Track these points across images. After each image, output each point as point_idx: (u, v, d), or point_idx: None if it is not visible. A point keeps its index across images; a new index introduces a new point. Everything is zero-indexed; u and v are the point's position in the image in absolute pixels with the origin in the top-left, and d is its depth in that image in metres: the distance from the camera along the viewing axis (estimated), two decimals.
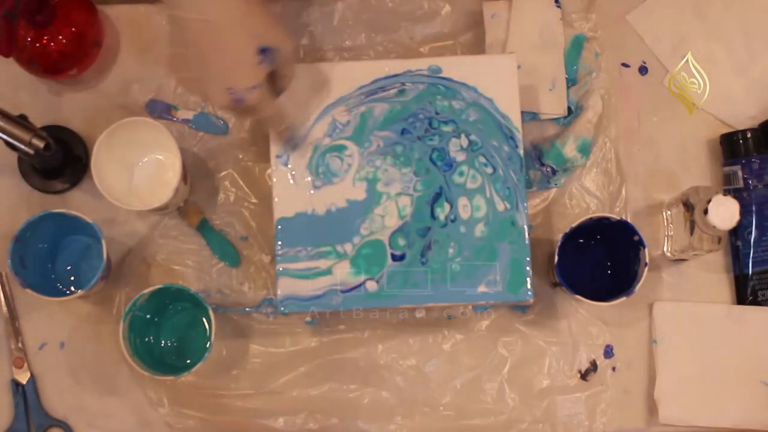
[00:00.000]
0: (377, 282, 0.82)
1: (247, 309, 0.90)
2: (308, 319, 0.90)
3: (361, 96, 0.85)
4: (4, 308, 0.90)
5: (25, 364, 0.89)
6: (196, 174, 0.92)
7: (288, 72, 0.77)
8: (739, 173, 0.89)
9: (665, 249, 0.91)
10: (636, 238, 0.83)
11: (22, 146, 0.83)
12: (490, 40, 0.93)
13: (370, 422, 0.89)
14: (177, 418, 0.89)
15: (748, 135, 0.90)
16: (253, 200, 0.92)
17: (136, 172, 0.90)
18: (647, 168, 0.93)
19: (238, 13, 0.71)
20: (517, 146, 0.84)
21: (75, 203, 0.92)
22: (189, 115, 0.93)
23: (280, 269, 0.82)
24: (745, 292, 0.90)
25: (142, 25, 0.95)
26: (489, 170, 0.83)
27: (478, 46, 0.94)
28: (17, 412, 0.89)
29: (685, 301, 0.91)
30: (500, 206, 0.83)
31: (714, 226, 0.81)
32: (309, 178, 0.84)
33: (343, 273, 0.82)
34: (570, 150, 0.90)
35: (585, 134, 0.91)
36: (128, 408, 0.89)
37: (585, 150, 0.91)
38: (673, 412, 0.88)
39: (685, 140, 0.94)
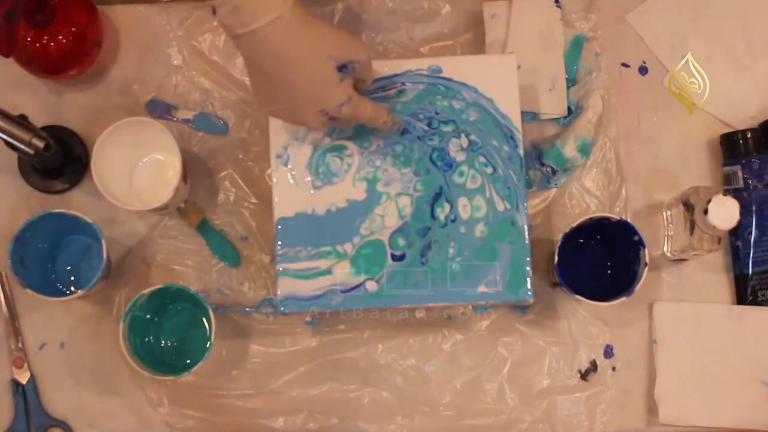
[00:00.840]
0: (377, 282, 0.82)
1: (247, 309, 0.90)
2: (308, 319, 0.90)
3: None
4: (4, 308, 0.90)
5: (25, 364, 0.89)
6: (196, 174, 0.92)
7: (368, 75, 0.78)
8: (739, 173, 0.89)
9: (665, 249, 0.91)
10: (636, 238, 0.83)
11: (22, 146, 0.83)
12: (490, 40, 0.93)
13: (370, 422, 0.89)
14: (177, 418, 0.89)
15: (748, 135, 0.90)
16: (253, 200, 0.92)
17: (136, 172, 0.90)
18: (647, 168, 0.93)
19: (306, 35, 0.71)
20: (517, 146, 0.84)
21: (75, 203, 0.92)
22: (189, 115, 0.93)
23: (280, 269, 0.82)
24: (745, 292, 0.90)
25: (142, 25, 0.95)
26: (489, 170, 0.83)
27: (478, 46, 0.94)
28: (17, 412, 0.89)
29: (685, 301, 0.91)
30: (500, 206, 0.83)
31: (714, 226, 0.81)
32: (309, 178, 0.83)
33: (343, 273, 0.82)
34: (570, 150, 0.90)
35: (585, 134, 0.91)
36: (128, 408, 0.89)
37: (585, 150, 0.91)
38: (673, 412, 0.88)
39: (685, 140, 0.94)
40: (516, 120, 0.84)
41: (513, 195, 0.83)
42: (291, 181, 0.83)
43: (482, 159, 0.84)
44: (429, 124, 0.84)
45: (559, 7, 0.93)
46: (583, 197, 0.92)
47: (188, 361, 0.87)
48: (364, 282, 0.82)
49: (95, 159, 0.84)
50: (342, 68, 0.73)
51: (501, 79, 0.85)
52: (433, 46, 0.95)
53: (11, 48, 0.80)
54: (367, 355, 0.90)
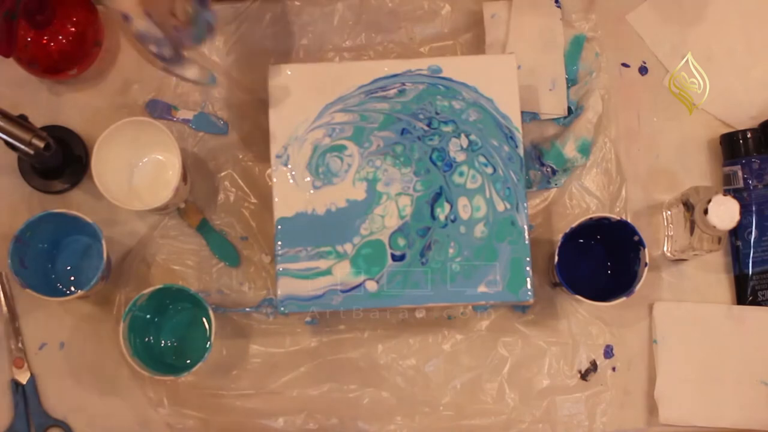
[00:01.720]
0: (377, 282, 0.82)
1: (247, 309, 0.90)
2: (308, 319, 0.90)
3: (361, 96, 0.85)
4: (4, 308, 0.90)
5: (25, 364, 0.89)
6: (196, 174, 0.93)
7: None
8: (739, 173, 0.89)
9: (665, 249, 0.91)
10: (636, 238, 0.83)
11: (22, 146, 0.83)
12: (490, 40, 0.93)
13: (370, 422, 0.89)
14: (177, 418, 0.89)
15: (748, 135, 0.90)
16: (253, 200, 0.92)
17: (136, 172, 0.90)
18: (647, 168, 0.93)
19: None
20: (517, 146, 0.84)
21: (75, 203, 0.92)
22: (189, 115, 0.93)
23: (280, 269, 0.82)
24: (745, 292, 0.90)
25: None
26: (489, 170, 0.84)
27: (478, 46, 0.94)
28: (17, 412, 0.89)
29: (685, 301, 0.91)
30: (500, 206, 0.83)
31: (714, 226, 0.81)
32: (309, 178, 0.84)
33: (343, 273, 0.82)
34: (570, 150, 0.90)
35: (585, 134, 0.91)
36: (128, 408, 0.89)
37: (585, 150, 0.91)
38: (673, 412, 0.88)
39: (685, 140, 0.94)
40: (516, 120, 0.84)
41: (513, 195, 0.83)
42: (291, 181, 0.84)
43: (482, 159, 0.84)
44: (429, 124, 0.84)
45: (559, 7, 0.94)
46: (583, 197, 0.92)
47: (188, 361, 0.87)
48: (364, 282, 0.82)
49: (95, 159, 0.84)
50: None
51: (501, 79, 0.85)
52: (433, 46, 0.95)
53: (11, 48, 0.80)
54: (367, 355, 0.90)
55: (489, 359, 0.90)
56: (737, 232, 0.90)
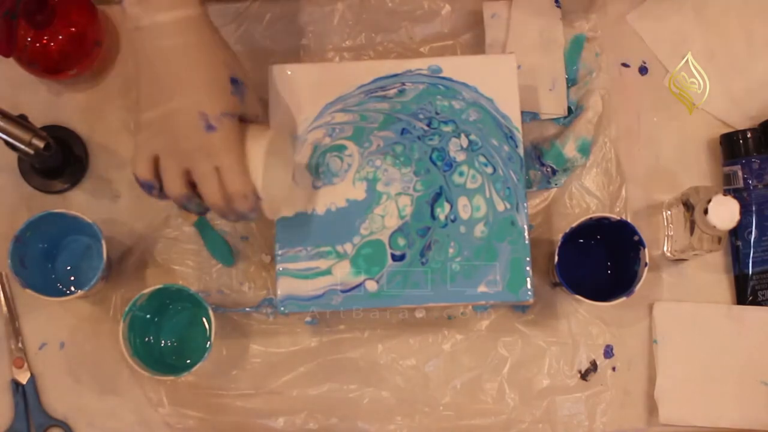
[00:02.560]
0: (377, 282, 0.82)
1: (247, 309, 0.90)
2: (308, 319, 0.90)
3: (361, 95, 0.85)
4: (4, 308, 0.90)
5: (25, 364, 0.89)
6: None
7: (253, 111, 0.74)
8: (739, 173, 0.89)
9: (665, 249, 0.91)
10: (636, 238, 0.83)
11: (22, 146, 0.83)
12: (490, 40, 0.93)
13: (370, 422, 0.89)
14: (177, 418, 0.89)
15: (748, 135, 0.90)
16: None
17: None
18: (647, 168, 0.93)
19: (210, 39, 0.71)
20: (517, 146, 0.84)
21: (75, 203, 0.92)
22: None
23: (280, 269, 0.82)
24: (745, 292, 0.90)
25: None
26: (489, 170, 0.83)
27: (478, 46, 0.94)
28: (17, 412, 0.89)
29: (685, 301, 0.91)
30: (500, 206, 0.83)
31: (714, 226, 0.81)
32: (309, 178, 0.83)
33: (343, 273, 0.82)
34: (570, 150, 0.90)
35: (585, 134, 0.91)
36: (128, 408, 0.89)
37: (585, 150, 0.91)
38: (673, 412, 0.88)
39: (685, 140, 0.94)
40: (516, 120, 0.84)
41: (513, 195, 0.83)
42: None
43: (482, 159, 0.84)
44: (429, 124, 0.84)
45: (559, 7, 0.94)
46: (583, 197, 0.92)
47: (188, 361, 0.87)
48: (364, 282, 0.82)
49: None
50: (234, 81, 0.72)
51: (501, 79, 0.85)
52: (433, 46, 0.95)
53: (11, 48, 0.80)
54: (367, 355, 0.90)
55: (489, 359, 0.90)
56: (737, 232, 0.90)
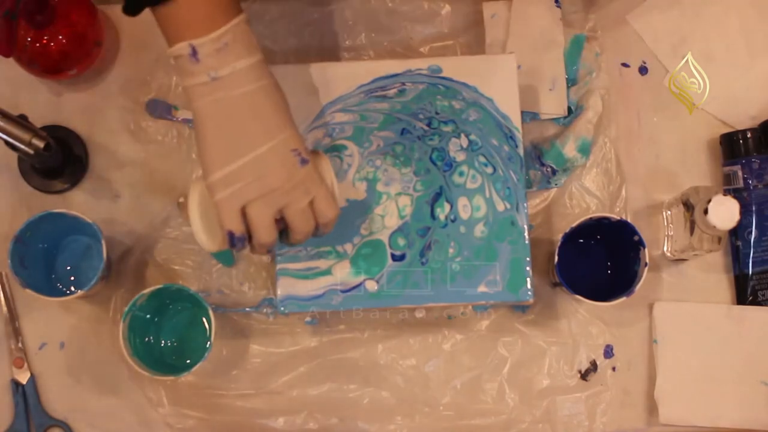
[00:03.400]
0: (377, 282, 0.82)
1: (247, 309, 0.90)
2: (308, 319, 0.90)
3: (361, 95, 0.85)
4: (4, 308, 0.90)
5: (25, 364, 0.89)
6: (196, 174, 0.92)
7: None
8: (739, 173, 0.89)
9: (665, 249, 0.91)
10: (636, 238, 0.83)
11: (22, 146, 0.82)
12: (490, 40, 0.93)
13: (370, 422, 0.89)
14: (177, 418, 0.89)
15: (748, 135, 0.90)
16: None
17: None
18: (647, 168, 0.93)
19: (275, 80, 0.70)
20: (517, 146, 0.84)
21: (75, 203, 0.92)
22: (189, 115, 0.93)
23: (280, 269, 0.82)
24: (745, 292, 0.90)
25: (142, 25, 0.94)
26: (489, 170, 0.84)
27: (478, 46, 0.94)
28: (17, 412, 0.89)
29: (685, 301, 0.91)
30: (500, 206, 0.83)
31: (714, 226, 0.81)
32: None
33: (343, 273, 0.82)
34: (570, 150, 0.90)
35: (585, 134, 0.91)
36: (128, 408, 0.89)
37: (585, 150, 0.91)
38: (673, 412, 0.88)
39: (685, 140, 0.94)
40: (516, 120, 0.84)
41: (513, 195, 0.83)
42: None
43: (482, 159, 0.84)
44: (429, 124, 0.84)
45: (559, 7, 0.94)
46: (583, 197, 0.92)
47: (188, 361, 0.87)
48: (363, 282, 0.82)
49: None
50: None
51: (501, 79, 0.85)
52: (433, 46, 0.95)
53: (11, 48, 0.80)
54: (367, 355, 0.90)
55: (489, 359, 0.90)
56: (737, 232, 0.90)
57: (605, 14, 0.95)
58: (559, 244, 0.83)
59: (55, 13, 0.87)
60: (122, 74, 0.94)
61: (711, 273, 0.91)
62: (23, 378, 0.89)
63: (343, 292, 0.82)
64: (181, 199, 0.91)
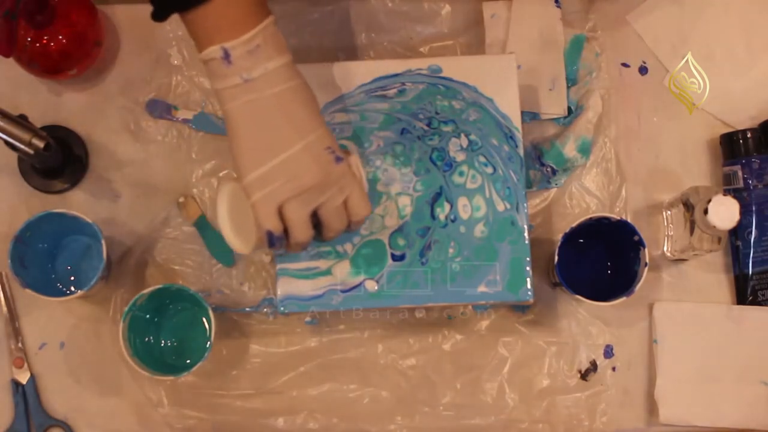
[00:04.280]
0: (377, 282, 0.82)
1: (247, 309, 0.90)
2: (308, 319, 0.90)
3: (361, 95, 0.85)
4: (4, 308, 0.90)
5: (25, 364, 0.89)
6: (196, 174, 0.92)
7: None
8: (739, 173, 0.89)
9: (665, 249, 0.91)
10: (636, 238, 0.83)
11: (22, 146, 0.82)
12: (490, 40, 0.93)
13: (370, 422, 0.89)
14: (177, 418, 0.89)
15: (748, 135, 0.90)
16: None
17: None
18: (647, 168, 0.93)
19: (303, 83, 0.71)
20: (517, 146, 0.84)
21: (75, 203, 0.92)
22: (189, 115, 0.93)
23: (280, 269, 0.82)
24: (745, 292, 0.90)
25: (142, 25, 0.95)
26: (489, 170, 0.84)
27: (478, 46, 0.94)
28: (17, 412, 0.89)
29: (685, 301, 0.91)
30: (500, 206, 0.83)
31: (714, 226, 0.81)
32: None
33: (343, 273, 0.82)
34: (570, 150, 0.90)
35: (585, 134, 0.91)
36: (128, 408, 0.89)
37: (585, 150, 0.91)
38: (673, 412, 0.88)
39: (685, 140, 0.94)
40: (516, 120, 0.84)
41: (513, 195, 0.83)
42: None
43: (482, 159, 0.84)
44: (429, 124, 0.84)
45: (559, 7, 0.94)
46: (583, 197, 0.92)
47: (188, 361, 0.87)
48: (363, 282, 0.82)
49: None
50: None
51: (501, 79, 0.85)
52: (433, 46, 0.95)
53: (11, 48, 0.80)
54: (367, 355, 0.90)
55: (489, 359, 0.90)
56: (737, 232, 0.90)
57: (605, 14, 0.95)
58: (559, 244, 0.83)
59: (55, 13, 0.87)
60: (122, 74, 0.94)
61: (711, 273, 0.91)
62: (23, 378, 0.89)
63: (343, 292, 0.82)
64: (181, 199, 0.91)
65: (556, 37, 0.93)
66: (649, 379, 0.89)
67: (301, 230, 0.71)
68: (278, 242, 0.72)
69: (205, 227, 0.91)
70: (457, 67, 0.85)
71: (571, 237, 0.83)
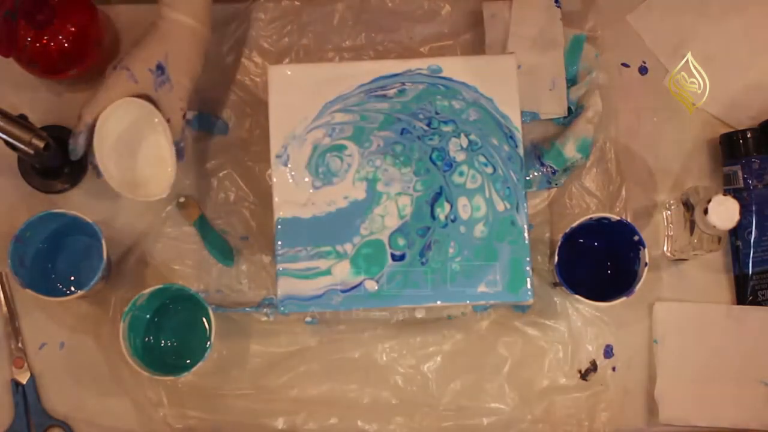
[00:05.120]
0: (377, 282, 0.82)
1: (247, 309, 0.90)
2: (308, 319, 0.90)
3: (361, 95, 0.85)
4: (4, 308, 0.90)
5: (25, 364, 0.89)
6: (197, 173, 0.93)
7: (174, 116, 0.84)
8: (739, 173, 0.89)
9: (665, 249, 0.91)
10: (636, 238, 0.83)
11: (22, 146, 0.83)
12: (490, 40, 0.93)
13: (370, 422, 0.89)
14: (177, 418, 0.89)
15: (748, 135, 0.90)
16: (253, 200, 0.92)
17: (137, 159, 0.87)
18: (647, 168, 0.93)
19: (180, 41, 0.84)
20: (517, 146, 0.84)
21: (75, 203, 0.92)
22: (189, 115, 0.93)
23: (280, 269, 0.82)
24: (745, 292, 0.90)
25: (142, 25, 0.94)
26: (489, 170, 0.83)
27: (478, 46, 0.94)
28: (17, 412, 0.89)
29: (685, 301, 0.91)
30: (500, 206, 0.83)
31: (714, 226, 0.81)
32: (308, 178, 0.83)
33: (343, 273, 0.82)
34: (570, 150, 0.90)
35: (585, 134, 0.91)
36: (128, 408, 0.89)
37: (585, 150, 0.91)
38: (673, 412, 0.88)
39: (685, 140, 0.94)
40: (516, 120, 0.84)
41: (513, 195, 0.83)
42: (291, 180, 0.83)
43: (482, 159, 0.84)
44: (429, 124, 0.84)
45: (559, 7, 0.94)
46: (583, 197, 0.92)
47: (188, 361, 0.87)
48: (363, 282, 0.82)
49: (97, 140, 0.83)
50: (159, 68, 0.83)
51: (501, 79, 0.85)
52: (433, 46, 0.95)
53: (11, 48, 0.80)
54: (367, 355, 0.90)
55: (489, 359, 0.90)
56: (737, 232, 0.90)
57: (605, 14, 0.95)
58: (559, 244, 0.83)
59: (55, 13, 0.87)
60: None
61: (711, 273, 0.91)
62: (23, 378, 0.89)
63: (343, 292, 0.82)
64: (182, 199, 0.91)
65: (556, 37, 0.93)
66: (649, 379, 0.89)
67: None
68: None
69: (205, 228, 0.91)
70: (457, 67, 0.85)
71: (571, 237, 0.83)
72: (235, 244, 0.91)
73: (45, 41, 0.87)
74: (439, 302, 0.82)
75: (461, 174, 0.83)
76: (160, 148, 0.86)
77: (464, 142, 0.84)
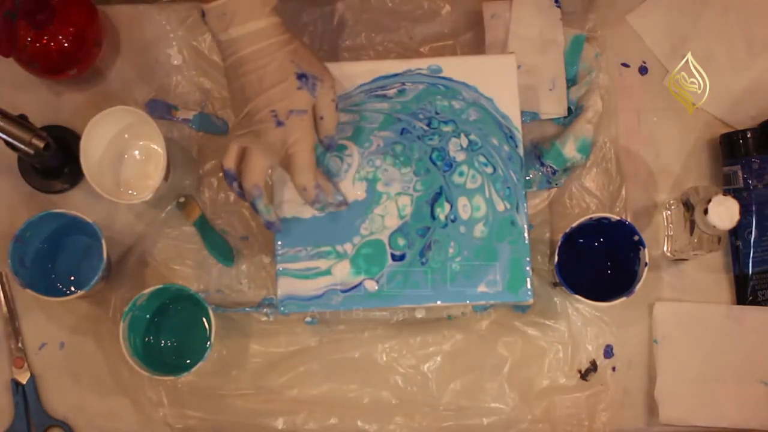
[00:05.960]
0: (377, 282, 0.82)
1: (247, 309, 0.90)
2: (308, 319, 0.90)
3: (361, 95, 0.85)
4: (4, 308, 0.90)
5: (25, 364, 0.89)
6: (196, 174, 0.92)
7: (327, 112, 0.78)
8: (739, 173, 0.89)
9: (665, 249, 0.91)
10: (636, 238, 0.83)
11: (22, 146, 0.83)
12: (490, 40, 0.93)
13: (370, 422, 0.89)
14: (177, 418, 0.89)
15: (748, 135, 0.90)
16: None
17: (124, 163, 0.91)
18: (647, 168, 0.93)
19: (278, 43, 0.75)
20: (517, 146, 0.84)
21: (75, 203, 0.92)
22: (189, 115, 0.93)
23: (280, 269, 0.82)
24: (745, 292, 0.90)
25: (142, 25, 0.95)
26: (489, 170, 0.84)
27: (478, 46, 0.94)
28: (17, 412, 0.89)
29: (685, 301, 0.91)
30: (500, 206, 0.83)
31: (714, 226, 0.81)
32: None
33: (343, 273, 0.82)
34: (570, 150, 0.90)
35: (585, 134, 0.91)
36: (128, 408, 0.89)
37: (585, 150, 0.91)
38: (673, 412, 0.88)
39: (685, 140, 0.94)
40: (516, 120, 0.84)
41: (513, 195, 0.83)
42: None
43: (482, 159, 0.84)
44: (429, 124, 0.84)
45: (559, 7, 0.93)
46: (583, 197, 0.92)
47: (188, 361, 0.87)
48: (363, 282, 0.82)
49: (84, 149, 0.85)
50: (301, 77, 0.75)
51: (501, 79, 0.85)
52: (433, 46, 0.95)
53: (11, 48, 0.80)
54: (367, 355, 0.90)
55: (489, 359, 0.90)
56: (737, 232, 0.90)
57: (605, 14, 0.95)
58: (559, 244, 0.83)
59: (55, 13, 0.87)
60: (122, 74, 0.94)
61: (711, 273, 0.91)
62: (23, 378, 0.89)
63: (343, 292, 0.82)
64: (182, 199, 0.91)
65: (556, 37, 0.93)
66: (649, 379, 0.89)
67: (249, 174, 0.77)
68: (228, 179, 0.79)
69: (205, 228, 0.91)
70: (457, 67, 0.85)
71: (571, 237, 0.83)
72: (235, 244, 0.91)
73: (45, 41, 0.87)
74: (439, 302, 0.82)
75: (461, 174, 0.83)
76: (150, 153, 0.90)
77: (464, 142, 0.84)
